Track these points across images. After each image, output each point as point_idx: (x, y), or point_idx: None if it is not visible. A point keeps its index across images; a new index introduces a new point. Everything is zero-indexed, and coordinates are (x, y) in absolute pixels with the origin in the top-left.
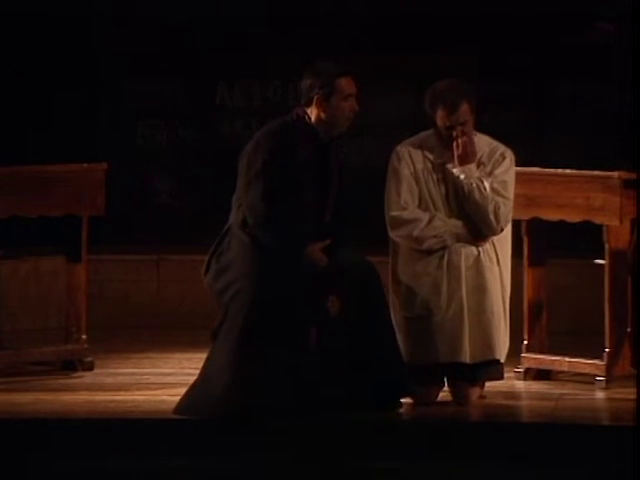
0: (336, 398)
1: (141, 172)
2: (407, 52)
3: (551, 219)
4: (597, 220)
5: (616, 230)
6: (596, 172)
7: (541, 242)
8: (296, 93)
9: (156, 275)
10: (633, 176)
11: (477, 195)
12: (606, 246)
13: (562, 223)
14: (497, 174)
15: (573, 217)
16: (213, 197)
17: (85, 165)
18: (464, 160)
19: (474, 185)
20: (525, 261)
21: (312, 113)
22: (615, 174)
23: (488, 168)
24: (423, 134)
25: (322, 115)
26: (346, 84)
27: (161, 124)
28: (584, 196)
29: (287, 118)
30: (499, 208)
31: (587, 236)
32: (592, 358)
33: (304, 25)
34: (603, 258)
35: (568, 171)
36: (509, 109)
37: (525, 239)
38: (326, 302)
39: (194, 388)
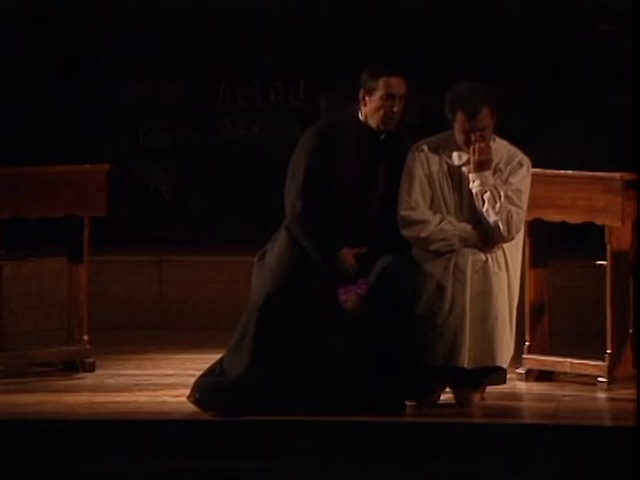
0: (345, 398)
1: (143, 173)
2: (416, 53)
3: (553, 220)
4: (599, 221)
5: (618, 231)
6: (598, 173)
7: (543, 243)
8: (297, 93)
9: (158, 276)
10: (634, 177)
11: (491, 203)
12: (608, 247)
13: (564, 224)
14: (513, 182)
15: (575, 218)
16: (215, 198)
17: (87, 166)
18: (481, 167)
19: (489, 193)
20: (527, 262)
21: (362, 108)
22: (617, 175)
23: (504, 175)
24: (442, 135)
25: (364, 111)
26: (387, 83)
27: (163, 125)
28: (586, 197)
29: (340, 114)
30: (511, 217)
31: (589, 237)
32: (594, 359)
33: (306, 25)
34: (605, 259)
35: (570, 172)
36: (510, 110)
37: (527, 240)
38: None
39: (211, 377)
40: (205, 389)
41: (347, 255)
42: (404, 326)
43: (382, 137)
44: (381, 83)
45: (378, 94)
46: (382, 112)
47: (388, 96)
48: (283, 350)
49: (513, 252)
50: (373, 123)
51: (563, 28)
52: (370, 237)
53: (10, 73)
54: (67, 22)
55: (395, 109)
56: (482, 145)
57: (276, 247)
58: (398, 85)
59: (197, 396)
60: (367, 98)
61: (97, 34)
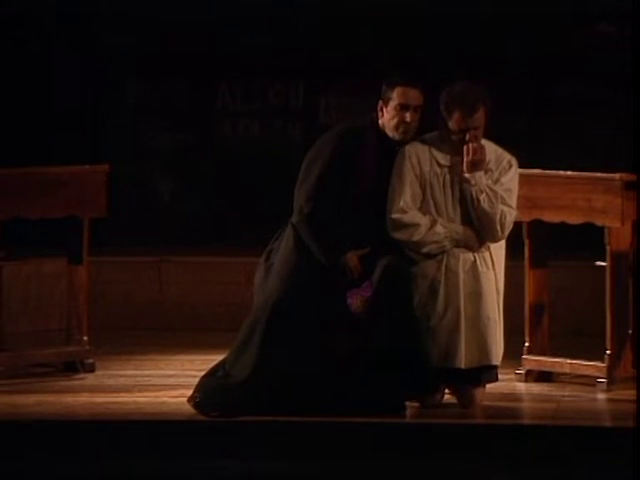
0: (349, 399)
1: (142, 174)
2: (408, 52)
3: (552, 221)
4: (598, 222)
5: (617, 232)
6: (597, 174)
7: (542, 244)
8: (297, 94)
9: (157, 277)
10: (634, 178)
11: (487, 203)
12: (607, 248)
13: (563, 225)
14: (504, 182)
15: (574, 219)
16: (214, 199)
17: (87, 167)
18: (474, 167)
19: (484, 193)
20: (526, 263)
21: (380, 118)
22: (616, 176)
23: (495, 175)
24: (433, 134)
25: (382, 122)
26: (401, 93)
27: (163, 126)
28: (585, 198)
29: (360, 120)
30: (505, 217)
31: (588, 238)
32: (593, 360)
33: (306, 25)
34: (604, 260)
35: (569, 173)
36: (510, 111)
37: (526, 241)
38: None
39: (214, 378)
40: (208, 391)
41: (352, 258)
42: (407, 325)
43: (398, 147)
44: (396, 93)
45: (393, 104)
46: (395, 121)
47: (402, 106)
48: (290, 351)
49: (498, 251)
50: (389, 133)
51: (563, 28)
52: (376, 240)
53: (10, 73)
54: (68, 21)
55: (408, 119)
56: (475, 145)
57: (282, 247)
58: (413, 96)
59: (198, 399)
60: (384, 109)
61: (98, 34)
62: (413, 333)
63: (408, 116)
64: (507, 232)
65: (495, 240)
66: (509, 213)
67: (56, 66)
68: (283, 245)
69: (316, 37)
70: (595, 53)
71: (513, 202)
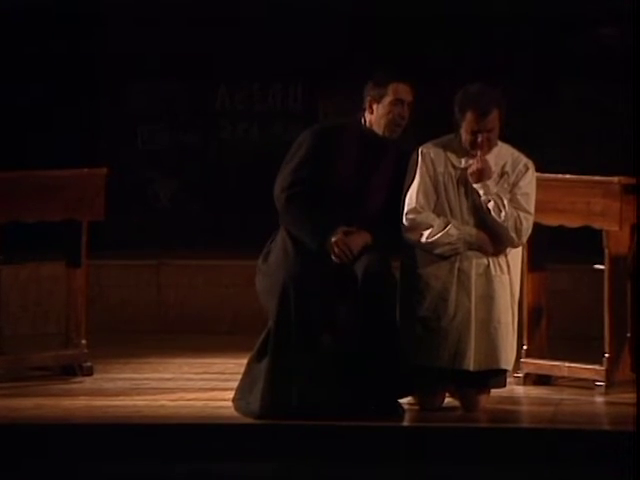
0: (339, 401)
1: (141, 176)
2: (408, 53)
3: (551, 224)
4: (597, 225)
5: (616, 235)
6: (596, 177)
7: (541, 247)
8: (296, 96)
9: (156, 280)
10: (633, 181)
11: (496, 213)
12: (606, 251)
13: (562, 228)
14: (521, 186)
15: (573, 222)
16: (214, 201)
17: (85, 170)
18: (479, 177)
19: (492, 202)
20: (525, 266)
21: (367, 116)
22: (615, 179)
23: (512, 179)
24: (447, 137)
25: (372, 118)
26: (395, 89)
27: (162, 128)
28: (584, 201)
29: (344, 119)
30: (521, 223)
31: (587, 241)
32: (592, 363)
33: (305, 28)
34: (603, 263)
35: (568, 176)
36: (509, 112)
37: (525, 244)
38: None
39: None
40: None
41: (338, 233)
42: (391, 325)
43: (382, 143)
44: (390, 89)
45: (387, 100)
46: (390, 117)
47: (397, 101)
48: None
49: (514, 255)
50: (379, 130)
51: (565, 30)
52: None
53: (9, 74)
54: (67, 22)
55: (404, 115)
56: (480, 154)
57: (279, 242)
58: (406, 92)
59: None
60: (374, 106)
61: (98, 36)
62: (398, 333)
63: (403, 111)
64: (525, 237)
65: (514, 245)
66: (525, 219)
67: (56, 66)
68: (279, 241)
69: (315, 39)
70: (597, 55)
71: (531, 207)
